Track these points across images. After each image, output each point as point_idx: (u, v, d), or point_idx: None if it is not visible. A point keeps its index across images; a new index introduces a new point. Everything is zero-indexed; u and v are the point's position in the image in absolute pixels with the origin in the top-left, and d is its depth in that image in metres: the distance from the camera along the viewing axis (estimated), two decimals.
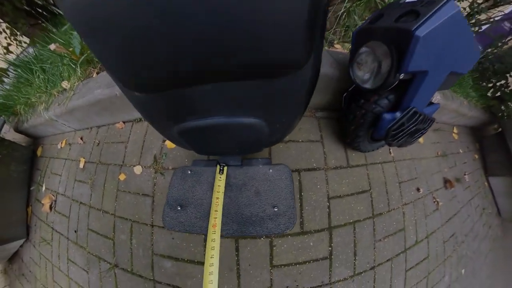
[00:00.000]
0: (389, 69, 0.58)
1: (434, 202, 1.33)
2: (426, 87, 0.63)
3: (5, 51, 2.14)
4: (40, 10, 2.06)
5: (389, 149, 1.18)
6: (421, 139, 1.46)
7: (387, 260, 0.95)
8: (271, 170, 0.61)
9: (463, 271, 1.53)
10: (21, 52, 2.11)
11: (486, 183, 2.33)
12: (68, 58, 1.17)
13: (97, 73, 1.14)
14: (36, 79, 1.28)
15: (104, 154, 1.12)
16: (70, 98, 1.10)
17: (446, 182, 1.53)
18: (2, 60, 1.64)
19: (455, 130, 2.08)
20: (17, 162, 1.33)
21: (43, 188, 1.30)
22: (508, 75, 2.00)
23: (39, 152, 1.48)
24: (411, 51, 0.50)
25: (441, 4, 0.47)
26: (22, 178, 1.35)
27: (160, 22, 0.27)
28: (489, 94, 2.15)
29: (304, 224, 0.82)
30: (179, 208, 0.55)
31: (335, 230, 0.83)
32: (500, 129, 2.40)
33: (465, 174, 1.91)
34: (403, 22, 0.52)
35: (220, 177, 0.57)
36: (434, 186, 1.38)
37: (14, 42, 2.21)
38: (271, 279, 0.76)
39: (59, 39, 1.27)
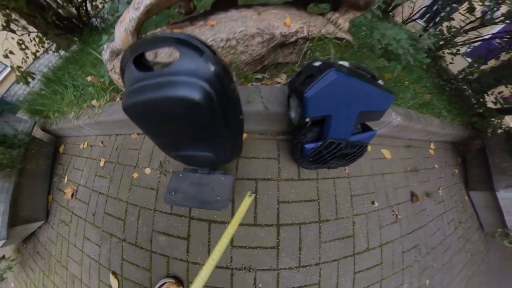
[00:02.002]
0: (300, 114, 0.81)
1: (393, 215, 1.42)
2: (338, 124, 0.82)
3: (33, 56, 2.60)
4: (66, 23, 2.53)
5: (345, 167, 1.30)
6: (388, 155, 1.59)
7: (334, 260, 1.08)
8: (223, 178, 0.92)
9: (427, 281, 1.62)
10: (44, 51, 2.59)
11: (466, 197, 2.41)
12: (99, 85, 1.46)
13: (120, 98, 1.40)
14: (69, 93, 1.58)
15: (121, 157, 1.39)
16: (99, 114, 1.38)
17: (413, 196, 1.65)
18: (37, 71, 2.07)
19: (432, 146, 2.17)
20: (44, 157, 1.63)
21: (65, 179, 1.57)
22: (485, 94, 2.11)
23: (61, 149, 1.76)
24: (305, 104, 0.73)
25: (324, 74, 0.68)
26: (46, 170, 1.65)
27: (165, 121, 0.53)
28: (467, 111, 2.26)
29: (257, 218, 1.05)
30: (173, 193, 0.89)
31: (282, 227, 1.02)
32: (482, 145, 2.49)
33: (439, 189, 2.00)
34: (304, 84, 0.73)
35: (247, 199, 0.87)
36: (395, 200, 1.47)
37: (42, 49, 2.63)
38: (231, 256, 1.00)
39: (92, 71, 1.60)
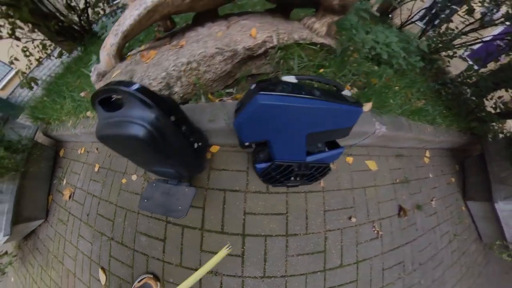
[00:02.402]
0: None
1: (374, 231, 1.34)
2: (282, 146, 0.75)
3: (37, 62, 2.79)
4: (68, 30, 2.68)
5: (321, 180, 1.22)
6: (373, 166, 1.50)
7: (301, 274, 1.06)
8: (186, 189, 0.96)
9: None
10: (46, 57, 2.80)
11: (463, 208, 2.30)
12: None
13: None
14: (68, 104, 1.69)
15: (113, 163, 1.48)
16: (93, 125, 1.46)
17: (400, 211, 1.56)
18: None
19: (427, 154, 2.06)
20: (45, 160, 1.76)
21: (64, 182, 1.68)
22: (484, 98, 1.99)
23: (61, 153, 1.87)
24: (236, 131, 0.70)
25: (250, 100, 0.62)
26: (47, 173, 1.77)
27: (128, 148, 0.65)
28: (466, 116, 2.13)
29: (224, 226, 1.09)
30: (146, 200, 0.96)
31: (247, 237, 1.04)
32: (482, 151, 2.37)
33: (432, 200, 1.90)
34: (237, 110, 0.71)
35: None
36: (378, 215, 1.38)
37: (45, 55, 2.83)
38: (200, 259, 1.07)
39: (86, 87, 1.71)
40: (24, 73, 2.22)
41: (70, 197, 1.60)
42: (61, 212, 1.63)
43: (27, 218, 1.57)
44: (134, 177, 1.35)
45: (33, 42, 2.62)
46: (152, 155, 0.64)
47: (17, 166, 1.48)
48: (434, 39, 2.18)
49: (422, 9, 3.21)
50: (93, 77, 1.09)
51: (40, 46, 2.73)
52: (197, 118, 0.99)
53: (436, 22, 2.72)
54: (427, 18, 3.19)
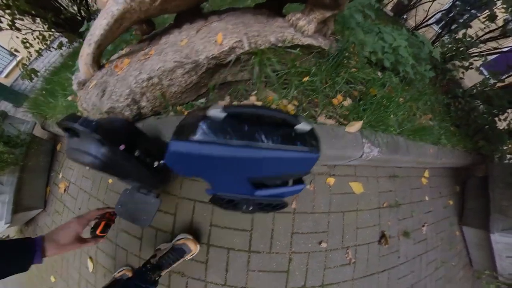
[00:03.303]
0: None
1: (347, 257, 1.22)
2: (222, 183, 0.63)
3: (37, 54, 2.72)
4: (67, 21, 2.59)
5: (292, 201, 1.14)
6: (358, 189, 1.35)
7: None
8: (153, 200, 0.95)
9: None
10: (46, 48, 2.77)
11: (457, 232, 2.15)
12: None
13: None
14: (60, 103, 1.68)
15: None
16: None
17: (382, 238, 1.42)
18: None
19: (426, 174, 1.88)
20: (43, 154, 1.84)
21: (60, 175, 1.75)
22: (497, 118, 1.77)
23: (58, 147, 1.92)
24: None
25: (168, 145, 0.50)
26: (45, 166, 1.86)
27: None
28: (474, 135, 1.93)
29: (191, 233, 1.11)
30: (119, 206, 0.94)
31: (211, 247, 1.07)
32: (486, 173, 2.19)
33: (423, 226, 1.76)
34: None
35: None
36: (354, 241, 1.25)
37: (44, 46, 2.74)
38: None
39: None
40: (25, 64, 2.28)
41: (65, 190, 1.67)
42: (57, 204, 1.72)
43: (26, 207, 1.67)
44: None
45: (32, 34, 2.59)
46: (111, 176, 0.73)
47: (17, 160, 1.56)
48: (449, 45, 1.92)
49: (439, 11, 2.88)
50: (74, 86, 1.09)
51: (40, 37, 2.67)
52: (165, 131, 0.95)
53: (453, 27, 2.42)
54: (443, 22, 2.86)
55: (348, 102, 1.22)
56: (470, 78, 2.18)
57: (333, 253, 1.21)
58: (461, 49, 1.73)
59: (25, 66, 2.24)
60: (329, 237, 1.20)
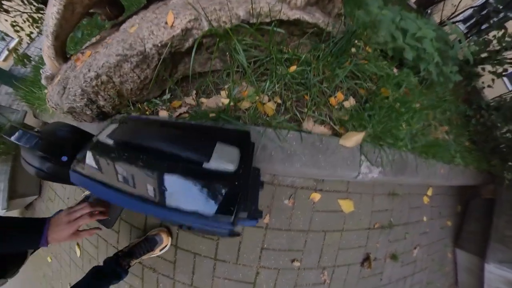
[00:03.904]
0: None
1: (322, 277, 1.09)
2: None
3: (28, 37, 2.54)
4: None
5: (266, 216, 0.99)
6: (348, 208, 1.15)
7: None
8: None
9: None
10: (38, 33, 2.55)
11: (449, 254, 2.01)
12: None
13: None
14: (43, 94, 1.58)
15: None
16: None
17: (365, 261, 1.26)
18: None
19: (429, 192, 1.68)
20: None
21: None
22: None
23: None
24: None
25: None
26: None
27: None
28: (489, 153, 1.68)
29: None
30: None
31: (179, 250, 1.04)
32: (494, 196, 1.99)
33: (415, 248, 1.59)
34: None
35: None
36: (332, 262, 1.11)
37: (36, 29, 2.50)
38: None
39: None
40: (17, 49, 2.24)
41: None
42: (49, 191, 1.77)
43: (21, 194, 1.77)
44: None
45: (21, 16, 2.36)
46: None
47: (8, 150, 1.62)
48: (481, 46, 1.59)
49: (470, 7, 2.46)
50: (42, 81, 1.04)
51: (30, 20, 2.43)
52: None
53: (484, 26, 2.04)
54: (473, 20, 2.44)
55: (350, 102, 0.96)
56: (493, 90, 1.88)
57: (306, 272, 1.08)
58: (495, 51, 1.42)
59: (17, 52, 2.19)
60: (304, 256, 1.05)
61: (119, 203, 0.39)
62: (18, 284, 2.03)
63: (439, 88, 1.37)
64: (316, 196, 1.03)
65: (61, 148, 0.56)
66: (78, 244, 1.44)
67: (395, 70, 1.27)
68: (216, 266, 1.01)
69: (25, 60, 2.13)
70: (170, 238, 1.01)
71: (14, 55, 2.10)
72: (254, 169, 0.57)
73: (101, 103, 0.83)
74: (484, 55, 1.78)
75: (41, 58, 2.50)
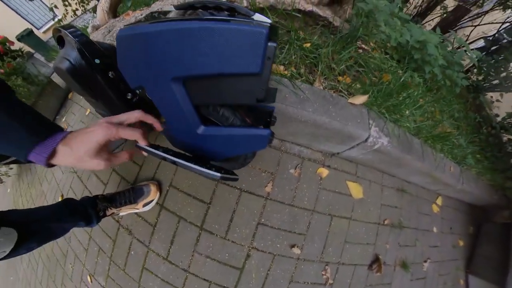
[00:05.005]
0: None
1: (323, 275, 0.94)
2: (164, 109, 0.46)
3: (73, 13, 2.87)
4: None
5: (268, 183, 0.90)
6: (356, 193, 1.08)
7: (205, 280, 0.88)
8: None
9: None
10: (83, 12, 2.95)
11: (461, 281, 1.80)
12: None
13: None
14: None
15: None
16: None
17: (374, 263, 1.13)
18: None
19: (438, 201, 1.60)
20: (55, 98, 1.97)
21: (63, 119, 1.82)
22: None
23: (70, 96, 2.02)
24: None
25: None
26: (54, 109, 1.98)
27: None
28: (503, 171, 1.63)
29: None
30: None
31: (163, 210, 0.93)
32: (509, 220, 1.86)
33: (425, 261, 1.44)
34: None
35: None
36: (337, 257, 0.97)
37: (81, 8, 2.87)
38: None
39: None
40: (60, 21, 2.53)
41: None
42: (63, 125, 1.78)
43: None
44: None
45: None
46: (83, 93, 0.68)
47: (29, 96, 1.75)
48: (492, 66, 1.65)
49: (483, 37, 2.61)
50: (89, 28, 1.19)
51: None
52: None
53: (494, 47, 2.15)
54: (485, 51, 2.53)
55: (349, 81, 0.99)
56: (505, 104, 1.90)
57: (306, 264, 0.93)
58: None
59: (60, 23, 2.42)
60: (306, 242, 0.93)
61: (169, 28, 0.34)
62: None
63: (446, 91, 1.40)
64: (324, 172, 0.98)
65: (98, 53, 0.59)
66: (62, 196, 1.35)
67: (399, 72, 1.32)
68: (200, 237, 0.89)
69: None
70: (158, 194, 0.91)
71: (57, 25, 2.30)
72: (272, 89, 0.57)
73: None
74: (495, 81, 1.84)
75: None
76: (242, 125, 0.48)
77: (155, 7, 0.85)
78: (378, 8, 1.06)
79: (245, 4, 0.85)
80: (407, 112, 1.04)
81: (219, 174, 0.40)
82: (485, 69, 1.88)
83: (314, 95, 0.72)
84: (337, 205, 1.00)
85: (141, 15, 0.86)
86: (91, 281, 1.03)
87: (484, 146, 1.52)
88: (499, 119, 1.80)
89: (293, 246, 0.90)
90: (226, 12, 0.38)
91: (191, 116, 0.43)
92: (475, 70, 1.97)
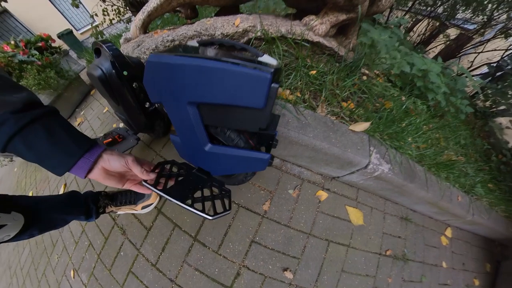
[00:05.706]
0: None
1: None
2: (177, 123, 0.50)
3: (109, 22, 3.29)
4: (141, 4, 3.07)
5: (267, 202, 0.89)
6: (356, 219, 1.04)
7: None
8: (131, 140, 1.01)
9: None
10: (118, 21, 3.39)
11: None
12: None
13: None
14: None
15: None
16: None
17: None
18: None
19: (447, 233, 1.50)
20: (78, 93, 2.21)
21: (82, 113, 1.99)
22: None
23: (92, 92, 2.25)
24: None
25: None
26: (75, 102, 2.18)
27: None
28: None
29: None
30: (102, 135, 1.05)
31: (160, 215, 0.95)
32: None
33: None
34: None
35: None
36: (332, 286, 0.91)
37: (117, 18, 3.32)
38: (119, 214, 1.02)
39: None
40: (97, 26, 2.85)
41: (79, 124, 1.90)
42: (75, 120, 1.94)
43: None
44: (121, 125, 1.41)
45: (112, 6, 3.23)
46: (108, 98, 0.75)
47: (58, 87, 1.94)
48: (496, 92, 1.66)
49: (486, 63, 2.63)
50: (121, 40, 1.35)
51: (117, 11, 3.29)
52: None
53: (498, 74, 2.14)
54: (489, 78, 2.52)
55: (359, 111, 1.01)
56: (508, 133, 1.84)
57: None
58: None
59: (97, 28, 2.81)
60: (299, 267, 0.89)
61: (189, 63, 0.40)
62: None
63: (451, 117, 1.39)
64: (323, 195, 0.97)
65: (127, 65, 0.68)
66: (65, 185, 1.41)
67: (403, 98, 1.34)
68: (192, 248, 0.88)
69: (99, 35, 2.72)
70: (158, 198, 0.93)
71: (94, 30, 2.69)
72: (275, 115, 0.63)
73: None
74: (502, 107, 1.82)
75: (112, 38, 3.10)
76: (245, 147, 0.51)
77: (180, 31, 0.99)
78: (378, 43, 1.12)
79: (259, 34, 0.97)
80: (409, 139, 1.03)
81: (210, 217, 0.47)
82: (490, 95, 1.87)
83: (316, 121, 0.76)
84: (335, 231, 0.97)
85: (168, 36, 0.99)
86: (74, 277, 1.00)
87: (495, 175, 1.46)
88: (510, 145, 1.74)
89: (285, 269, 0.86)
90: (238, 52, 0.50)
91: (200, 134, 0.48)
92: (482, 96, 1.96)
